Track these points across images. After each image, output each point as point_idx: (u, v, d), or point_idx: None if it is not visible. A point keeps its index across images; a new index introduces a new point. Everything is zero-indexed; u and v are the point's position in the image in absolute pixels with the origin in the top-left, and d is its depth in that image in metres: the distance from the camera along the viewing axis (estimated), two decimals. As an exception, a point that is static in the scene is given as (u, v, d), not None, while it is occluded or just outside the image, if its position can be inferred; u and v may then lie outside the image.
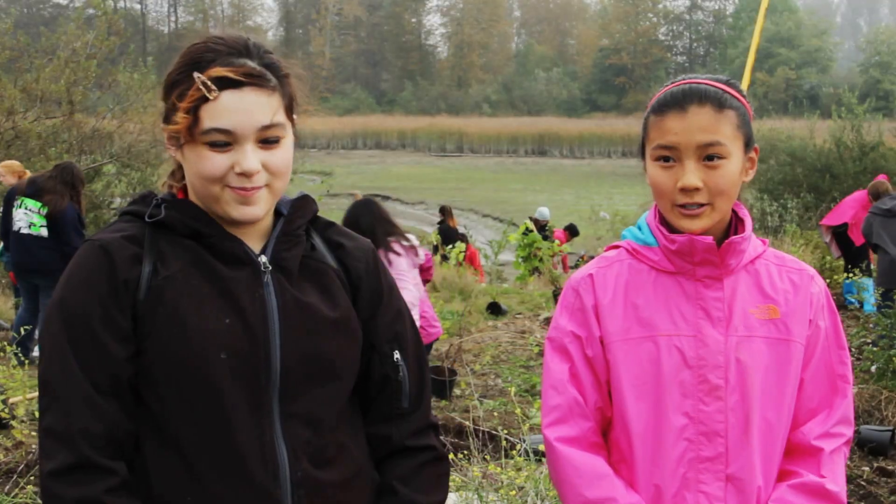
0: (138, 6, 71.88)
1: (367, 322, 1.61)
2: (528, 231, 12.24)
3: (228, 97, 1.42)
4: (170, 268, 1.46)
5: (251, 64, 1.45)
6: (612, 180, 35.96)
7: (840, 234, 9.42)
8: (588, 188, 33.05)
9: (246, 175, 1.45)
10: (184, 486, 1.44)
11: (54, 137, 12.00)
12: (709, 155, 1.62)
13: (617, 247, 1.82)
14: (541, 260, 11.85)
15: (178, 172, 1.57)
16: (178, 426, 1.44)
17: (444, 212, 14.35)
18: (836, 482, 1.68)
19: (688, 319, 1.68)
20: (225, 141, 1.43)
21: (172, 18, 76.66)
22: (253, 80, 1.44)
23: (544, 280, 12.14)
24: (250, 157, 1.44)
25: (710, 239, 1.65)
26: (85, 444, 1.38)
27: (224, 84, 1.42)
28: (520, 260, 12.14)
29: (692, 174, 1.62)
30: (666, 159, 1.65)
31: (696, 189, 1.62)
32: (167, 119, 1.48)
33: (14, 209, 7.02)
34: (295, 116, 1.54)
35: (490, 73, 73.51)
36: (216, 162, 1.44)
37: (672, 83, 1.71)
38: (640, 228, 1.78)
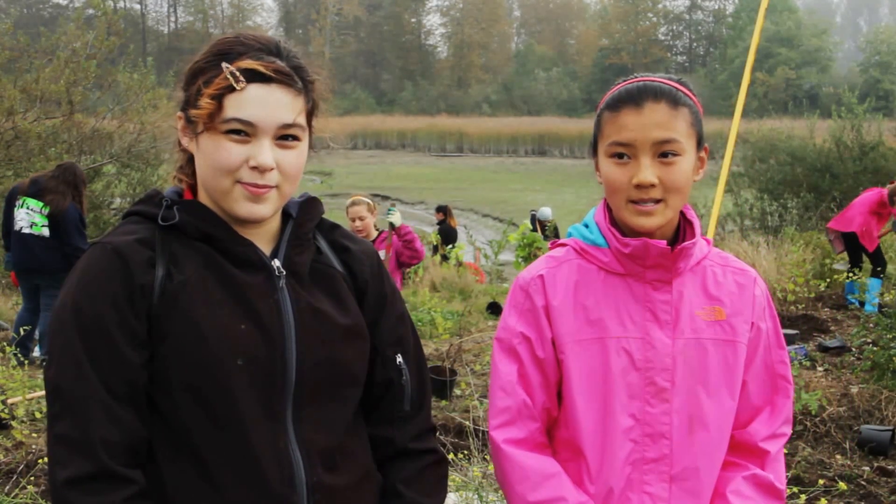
0: (138, 6, 71.98)
1: (371, 326, 1.61)
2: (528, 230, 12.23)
3: (255, 90, 1.42)
4: (183, 271, 1.45)
5: (281, 63, 1.45)
6: (612, 180, 35.93)
7: (847, 234, 9.38)
8: (588, 188, 32.92)
9: (259, 170, 1.44)
10: (200, 493, 1.42)
11: (54, 138, 11.98)
12: (664, 152, 1.62)
13: (564, 245, 1.80)
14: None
15: (188, 167, 1.55)
16: (192, 432, 1.42)
17: (444, 211, 14.32)
18: (782, 481, 1.72)
19: (636, 322, 1.68)
20: (244, 132, 1.43)
21: (172, 19, 76.77)
22: (281, 78, 1.44)
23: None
24: (266, 152, 1.44)
25: (662, 243, 1.65)
26: (103, 452, 1.36)
27: (252, 77, 1.42)
28: (520, 260, 12.13)
29: (647, 170, 1.61)
30: (620, 156, 1.64)
31: (652, 185, 1.61)
32: (187, 105, 1.47)
33: (16, 209, 7.02)
34: (314, 125, 1.54)
35: (490, 73, 73.57)
36: (233, 152, 1.43)
37: (624, 81, 1.71)
38: (587, 227, 1.77)
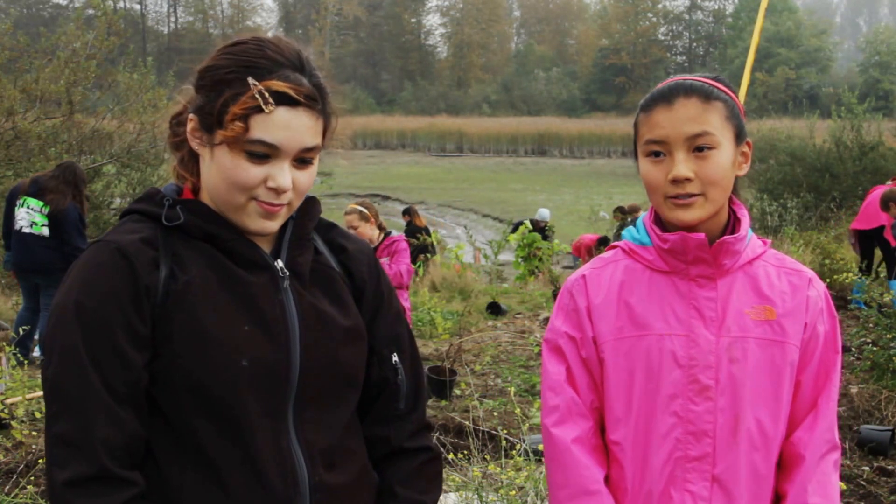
0: (138, 6, 71.87)
1: (368, 325, 1.61)
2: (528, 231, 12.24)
3: (283, 114, 1.40)
4: (187, 272, 1.43)
5: (307, 84, 1.43)
6: (611, 180, 35.95)
7: (864, 235, 9.37)
8: (588, 188, 33.05)
9: (277, 191, 1.43)
10: (204, 494, 1.42)
11: (54, 138, 11.94)
12: (698, 146, 1.62)
13: (615, 247, 1.82)
14: (540, 260, 11.84)
15: (192, 164, 1.53)
16: (196, 433, 1.41)
17: (409, 212, 14.15)
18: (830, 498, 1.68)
19: (680, 319, 1.68)
20: (266, 154, 1.42)
21: (172, 19, 76.64)
22: (308, 102, 1.43)
23: (544, 280, 12.14)
24: (286, 175, 1.43)
25: (701, 235, 1.65)
26: (104, 454, 1.35)
27: (281, 100, 1.40)
28: (519, 260, 12.14)
29: (682, 165, 1.62)
30: (656, 154, 1.65)
31: (687, 179, 1.62)
32: (207, 113, 1.43)
33: (16, 208, 7.02)
34: (325, 140, 1.52)
35: (490, 73, 73.52)
36: (252, 173, 1.42)
37: (661, 83, 1.73)
38: (637, 228, 1.78)
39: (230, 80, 1.42)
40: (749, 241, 1.73)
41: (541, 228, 14.23)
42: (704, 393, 1.65)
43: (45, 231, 6.94)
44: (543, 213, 15.35)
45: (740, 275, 1.70)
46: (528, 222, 13.48)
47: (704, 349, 1.66)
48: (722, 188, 1.66)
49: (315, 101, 1.44)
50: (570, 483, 1.68)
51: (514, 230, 13.32)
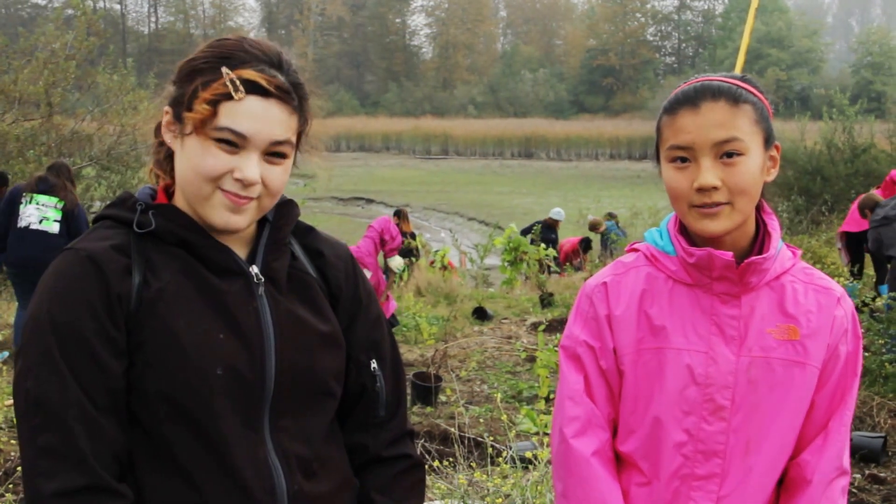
0: (118, 6, 71.52)
1: (346, 331, 1.59)
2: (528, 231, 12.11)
3: (253, 102, 1.40)
4: (160, 279, 1.42)
5: (281, 78, 1.43)
6: (599, 183, 36.07)
7: (854, 239, 9.35)
8: (575, 191, 33.07)
9: (243, 183, 1.41)
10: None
11: (33, 140, 11.89)
12: (726, 152, 1.55)
13: (636, 250, 1.76)
14: (527, 264, 11.77)
15: (167, 164, 1.51)
16: (171, 442, 1.40)
17: (399, 215, 14.09)
18: None
19: (700, 335, 1.62)
20: (234, 143, 1.40)
21: (153, 19, 76.30)
22: (281, 95, 1.42)
23: (531, 284, 12.07)
24: (253, 166, 1.41)
25: (729, 255, 1.59)
26: (95, 464, 1.34)
27: (252, 88, 1.39)
28: (506, 264, 12.05)
29: (709, 172, 1.54)
30: (682, 160, 1.58)
31: (714, 188, 1.54)
32: (179, 103, 1.43)
33: (22, 206, 6.99)
34: (302, 142, 1.53)
35: (476, 74, 73.61)
36: (219, 160, 1.40)
37: (685, 83, 1.65)
38: (661, 234, 1.72)
39: (204, 69, 1.42)
40: (778, 253, 1.66)
41: (550, 227, 14.21)
42: (719, 413, 1.61)
43: (56, 227, 6.95)
44: (559, 213, 15.18)
45: (766, 290, 1.64)
46: (514, 226, 13.38)
47: (723, 368, 1.61)
48: (750, 197, 1.59)
49: (289, 95, 1.43)
50: (591, 497, 1.64)
51: (526, 233, 13.22)
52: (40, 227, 6.94)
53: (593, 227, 14.84)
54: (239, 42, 1.44)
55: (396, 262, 7.55)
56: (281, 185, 1.47)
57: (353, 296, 1.61)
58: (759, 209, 1.66)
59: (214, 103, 1.38)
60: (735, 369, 1.61)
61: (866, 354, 6.08)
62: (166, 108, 1.46)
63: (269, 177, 1.43)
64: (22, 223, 6.97)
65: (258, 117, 1.40)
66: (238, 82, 1.38)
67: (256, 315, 1.45)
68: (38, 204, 6.96)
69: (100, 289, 1.37)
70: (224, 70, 1.39)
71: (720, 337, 1.62)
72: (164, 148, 1.51)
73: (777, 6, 63.05)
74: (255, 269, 1.49)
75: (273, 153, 1.43)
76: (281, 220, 1.55)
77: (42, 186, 7.01)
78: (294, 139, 1.47)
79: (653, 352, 1.63)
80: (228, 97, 1.38)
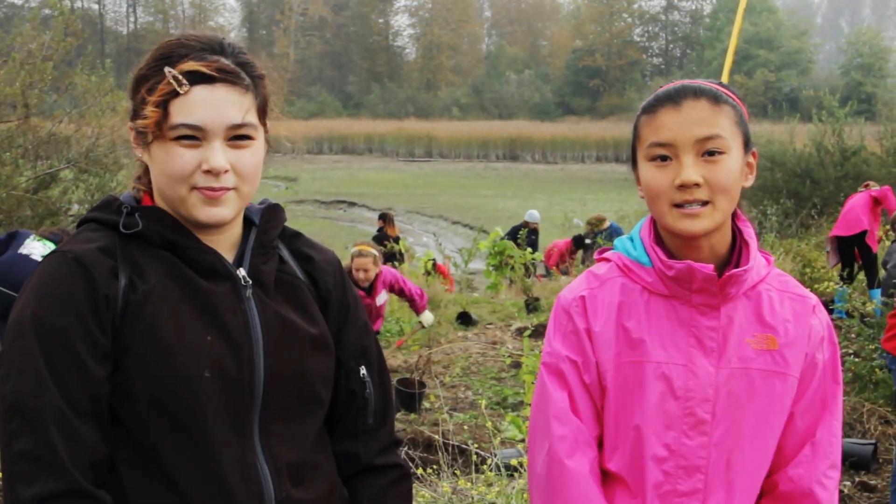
0: (96, 6, 71.00)
1: (335, 337, 1.59)
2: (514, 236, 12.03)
3: (199, 92, 1.40)
4: (147, 281, 1.42)
5: (225, 61, 1.43)
6: (585, 185, 36.09)
7: (845, 243, 9.29)
8: (561, 194, 33.02)
9: (213, 173, 1.41)
10: None
11: (9, 142, 11.73)
12: (708, 150, 1.53)
13: (607, 259, 1.72)
14: (512, 268, 11.68)
15: (146, 177, 1.52)
16: (158, 447, 1.39)
17: (384, 218, 13.96)
18: None
19: (679, 347, 1.60)
20: (194, 136, 1.40)
21: (131, 19, 75.68)
22: (226, 77, 1.42)
23: (516, 289, 11.99)
24: (218, 154, 1.41)
25: (710, 268, 1.57)
26: (73, 470, 1.33)
27: (196, 79, 1.40)
28: (490, 268, 11.95)
29: (690, 169, 1.52)
30: (662, 158, 1.56)
31: (696, 185, 1.52)
32: (135, 115, 1.45)
33: (28, 240, 6.95)
34: (268, 122, 1.52)
35: (460, 75, 73.58)
36: (184, 158, 1.40)
37: (663, 87, 1.64)
38: (632, 242, 1.68)
39: (148, 75, 1.43)
40: (753, 268, 1.63)
41: (532, 230, 14.12)
42: (699, 427, 1.59)
43: None
44: (534, 215, 15.06)
45: (742, 300, 1.62)
46: (499, 229, 13.27)
47: (703, 381, 1.59)
48: (730, 197, 1.57)
49: (236, 76, 1.43)
50: None
51: (513, 237, 13.11)
52: (38, 260, 6.92)
53: (595, 223, 14.61)
54: (177, 39, 1.45)
55: (428, 318, 7.64)
56: (252, 168, 1.46)
57: (342, 301, 1.62)
58: (733, 217, 1.64)
59: (164, 104, 1.38)
60: (715, 382, 1.59)
61: (857, 360, 6.04)
62: (129, 124, 1.48)
63: (238, 161, 1.43)
64: (24, 251, 6.97)
65: (208, 104, 1.40)
66: (180, 77, 1.38)
67: (244, 317, 1.45)
68: (45, 243, 6.96)
69: (86, 291, 1.37)
70: (166, 69, 1.39)
71: (699, 349, 1.60)
72: (142, 163, 1.51)
73: (766, 6, 63.01)
74: (242, 272, 1.49)
75: (236, 136, 1.43)
76: (268, 224, 1.55)
77: (53, 238, 6.98)
78: (255, 120, 1.46)
79: (632, 366, 1.61)
80: (175, 94, 1.38)
